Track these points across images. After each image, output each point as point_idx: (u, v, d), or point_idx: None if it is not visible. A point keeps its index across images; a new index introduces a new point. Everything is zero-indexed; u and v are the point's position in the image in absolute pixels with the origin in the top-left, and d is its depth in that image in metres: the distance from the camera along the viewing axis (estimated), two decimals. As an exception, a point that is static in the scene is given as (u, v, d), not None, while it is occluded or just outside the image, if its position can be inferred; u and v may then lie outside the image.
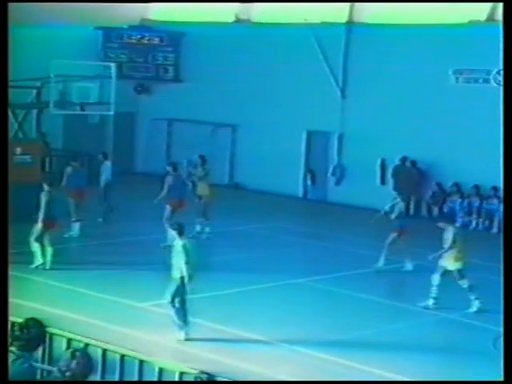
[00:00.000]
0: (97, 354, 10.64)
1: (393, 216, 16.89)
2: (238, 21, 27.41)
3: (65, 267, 16.04)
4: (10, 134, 22.42)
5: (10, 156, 21.00)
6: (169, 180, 18.58)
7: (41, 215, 15.92)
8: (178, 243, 12.43)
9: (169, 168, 19.05)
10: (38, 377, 7.53)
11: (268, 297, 14.91)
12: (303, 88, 25.54)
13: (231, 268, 16.38)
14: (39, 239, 16.10)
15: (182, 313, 12.36)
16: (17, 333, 7.12)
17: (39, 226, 16.00)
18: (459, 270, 14.54)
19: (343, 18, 25.21)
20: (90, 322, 12.89)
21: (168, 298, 12.32)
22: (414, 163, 23.80)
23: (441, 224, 14.86)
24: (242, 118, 26.83)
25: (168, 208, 18.25)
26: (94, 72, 23.43)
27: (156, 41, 28.51)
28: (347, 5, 25.20)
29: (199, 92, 27.43)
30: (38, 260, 16.08)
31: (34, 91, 22.54)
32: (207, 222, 19.31)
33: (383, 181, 24.40)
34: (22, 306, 12.73)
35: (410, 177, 23.64)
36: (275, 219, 21.72)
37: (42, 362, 9.83)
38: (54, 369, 6.78)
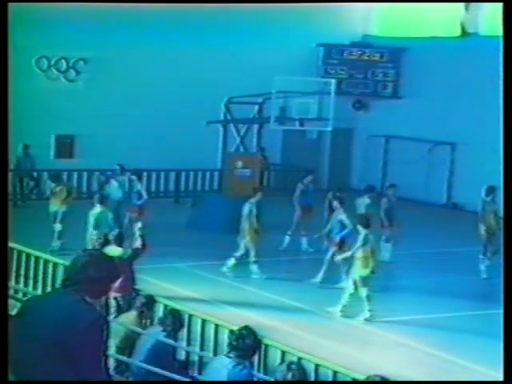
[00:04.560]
0: (310, 369, 10.66)
1: None
2: (464, 34, 26.76)
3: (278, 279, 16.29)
4: (232, 148, 23.15)
5: (230, 169, 21.90)
6: None
7: None
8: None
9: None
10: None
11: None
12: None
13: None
14: None
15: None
16: (234, 343, 7.28)
17: None
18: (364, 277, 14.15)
19: None
20: (302, 336, 13.03)
21: None
22: None
23: None
24: (463, 136, 26.13)
25: None
26: (314, 88, 23.68)
27: (376, 57, 28.44)
28: None
29: (418, 109, 27.06)
30: None
31: (256, 107, 23.12)
32: None
33: None
34: (238, 315, 13.12)
35: None
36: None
37: (258, 370, 9.98)
38: (271, 379, 6.86)
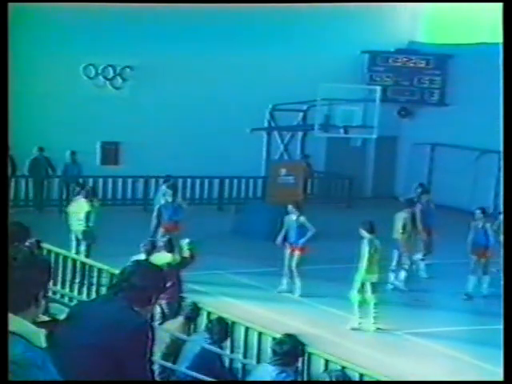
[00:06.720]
0: (353, 378, 10.61)
1: None
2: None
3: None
4: (276, 155, 23.15)
5: (274, 176, 21.89)
6: None
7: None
8: None
9: None
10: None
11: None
12: None
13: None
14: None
15: None
16: (274, 349, 7.34)
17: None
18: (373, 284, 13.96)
19: None
20: (347, 346, 13.01)
21: None
22: None
23: None
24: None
25: None
26: (359, 95, 23.61)
27: (422, 63, 28.24)
28: None
29: (465, 116, 26.84)
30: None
31: (301, 114, 23.12)
32: None
33: None
34: (280, 323, 13.12)
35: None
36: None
37: (302, 378, 10.01)
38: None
